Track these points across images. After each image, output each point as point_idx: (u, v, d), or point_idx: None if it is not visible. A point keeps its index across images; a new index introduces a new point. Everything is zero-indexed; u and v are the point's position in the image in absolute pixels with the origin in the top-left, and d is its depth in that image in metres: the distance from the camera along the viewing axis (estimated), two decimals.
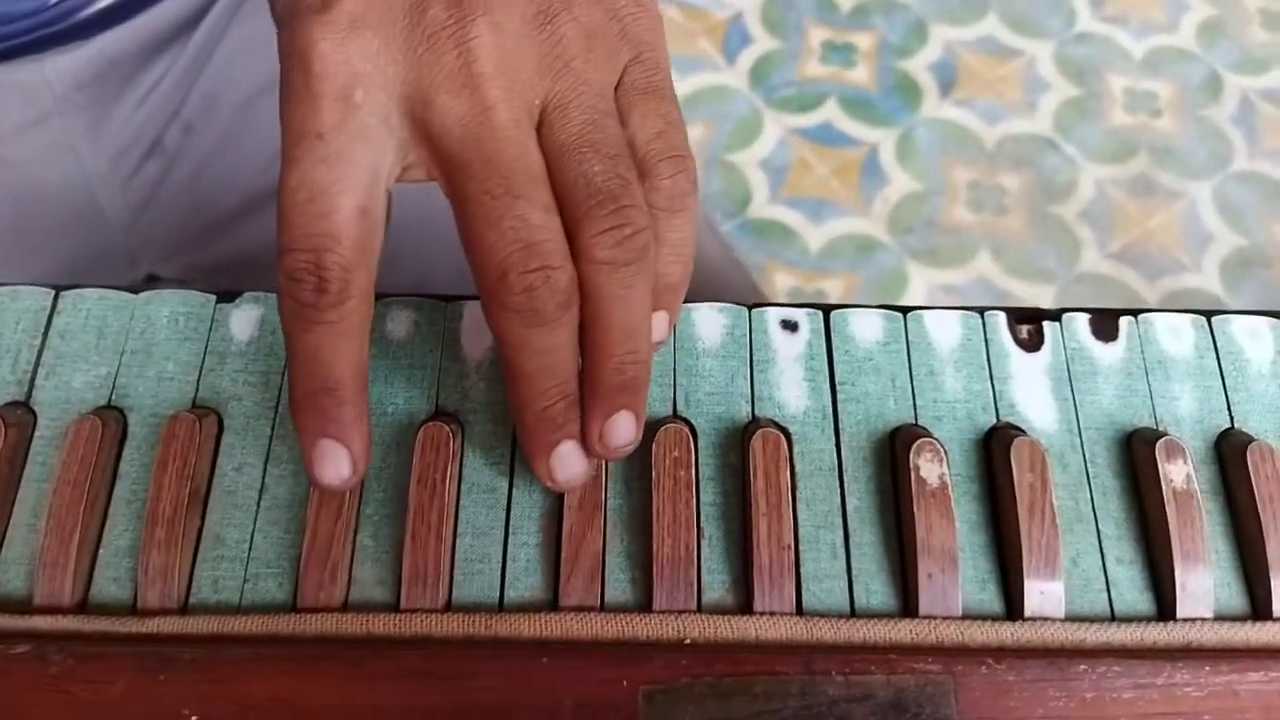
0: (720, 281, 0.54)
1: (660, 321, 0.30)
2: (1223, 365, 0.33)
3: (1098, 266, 1.29)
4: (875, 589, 0.30)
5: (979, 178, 1.35)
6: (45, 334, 0.33)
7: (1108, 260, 1.29)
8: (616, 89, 0.29)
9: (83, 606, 0.29)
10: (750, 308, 0.34)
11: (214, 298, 0.33)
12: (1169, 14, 1.48)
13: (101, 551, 0.30)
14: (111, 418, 0.31)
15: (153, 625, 0.28)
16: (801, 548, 0.30)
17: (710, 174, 1.34)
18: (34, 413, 0.32)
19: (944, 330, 0.34)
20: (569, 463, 0.29)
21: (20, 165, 0.54)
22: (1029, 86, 1.42)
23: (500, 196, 0.27)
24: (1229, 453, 0.32)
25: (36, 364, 0.33)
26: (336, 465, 0.28)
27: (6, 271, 0.55)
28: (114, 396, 0.32)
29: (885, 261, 1.29)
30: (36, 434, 0.32)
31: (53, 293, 0.34)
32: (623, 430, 0.29)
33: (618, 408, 0.28)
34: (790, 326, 0.33)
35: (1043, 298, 1.26)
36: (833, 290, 1.27)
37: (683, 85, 1.41)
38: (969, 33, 1.47)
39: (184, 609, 0.29)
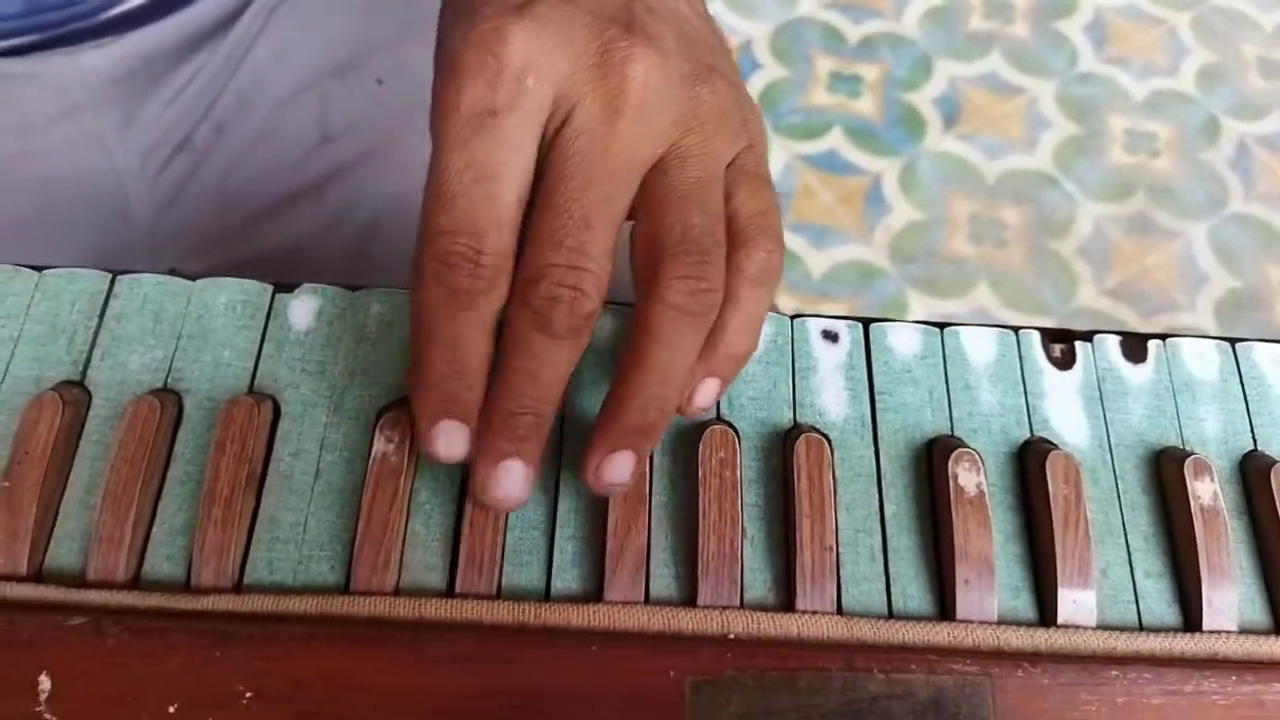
0: None
1: (710, 388, 0.31)
2: (1246, 390, 0.35)
3: (1094, 302, 1.31)
4: (912, 593, 0.31)
5: (980, 210, 1.37)
6: (101, 316, 0.34)
7: (1104, 296, 1.31)
8: (729, 166, 0.31)
9: (136, 582, 0.30)
10: (792, 318, 0.35)
11: (271, 287, 0.34)
12: (1170, 58, 1.51)
13: (155, 530, 0.31)
14: (168, 400, 0.32)
15: (208, 603, 0.29)
16: (841, 550, 0.31)
17: None
18: (89, 392, 0.32)
19: (979, 346, 0.34)
20: (508, 482, 0.28)
21: (49, 156, 0.54)
22: (1030, 123, 1.44)
23: (577, 219, 0.28)
24: (1252, 474, 0.33)
25: (92, 345, 0.33)
26: (458, 443, 0.28)
27: (29, 261, 0.55)
28: (170, 380, 0.33)
29: (886, 289, 1.31)
30: (91, 413, 0.32)
31: (110, 276, 0.34)
32: (620, 469, 0.29)
33: (625, 446, 0.29)
34: (831, 337, 0.34)
35: None
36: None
37: None
38: (973, 69, 1.49)
39: (238, 588, 0.30)
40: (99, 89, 0.53)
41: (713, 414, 0.33)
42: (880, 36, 1.52)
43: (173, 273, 0.60)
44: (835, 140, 1.42)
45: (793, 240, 1.34)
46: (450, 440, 0.28)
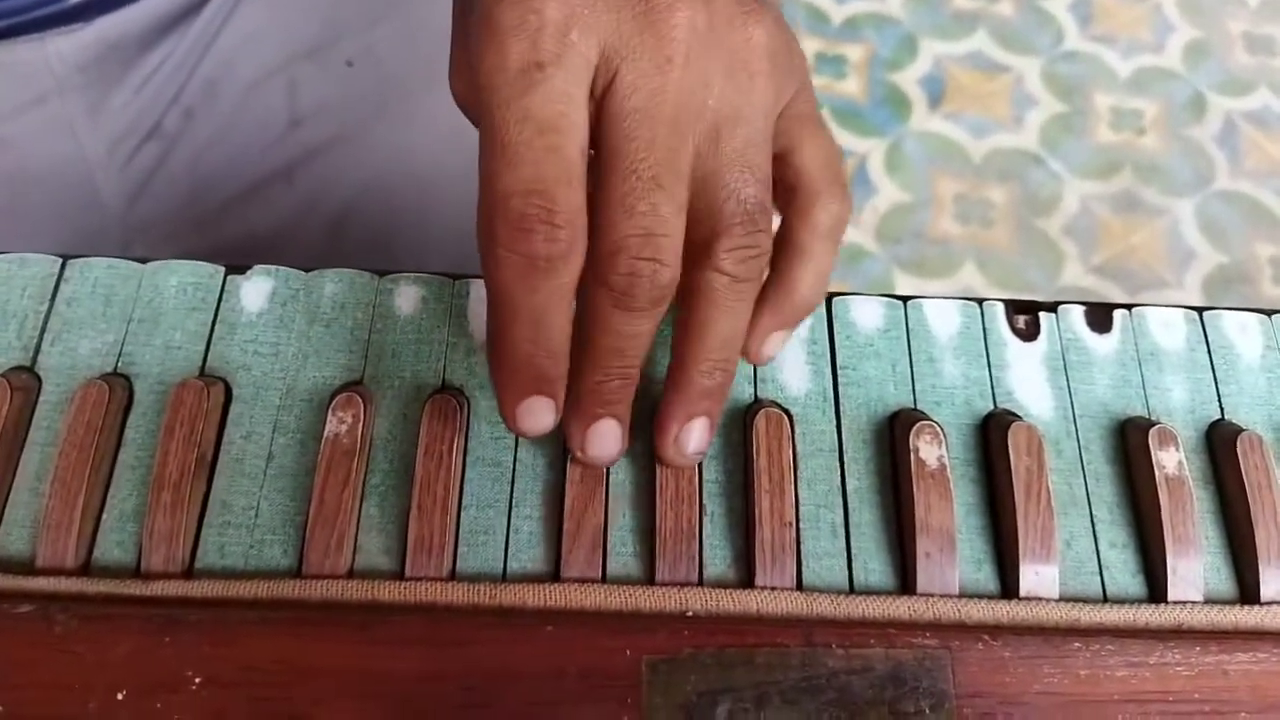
0: None
1: (778, 339, 0.32)
2: (1214, 358, 0.34)
3: (1081, 280, 1.30)
4: (874, 567, 0.30)
5: (966, 190, 1.36)
6: (52, 301, 0.33)
7: (1091, 274, 1.31)
8: (783, 114, 0.31)
9: (86, 569, 0.29)
10: None
11: (223, 269, 0.34)
12: (1156, 35, 1.50)
13: (105, 516, 0.30)
14: (118, 384, 0.31)
15: (157, 588, 0.29)
16: (802, 526, 0.31)
17: None
18: (39, 378, 0.32)
19: (943, 318, 0.34)
20: (605, 440, 0.29)
21: (17, 145, 0.53)
22: (1016, 102, 1.44)
23: (646, 179, 0.27)
24: (1219, 442, 0.32)
25: (43, 330, 0.33)
26: (546, 418, 0.28)
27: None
28: (120, 364, 0.32)
29: (873, 270, 1.30)
30: (41, 399, 0.32)
31: (60, 260, 0.34)
32: (699, 436, 0.30)
33: (699, 412, 0.29)
34: None
35: None
36: None
37: None
38: (958, 48, 1.48)
39: (189, 573, 0.29)
40: (66, 76, 0.52)
41: None
42: (865, 16, 1.51)
43: (144, 261, 0.60)
44: None
45: (779, 222, 1.33)
46: (538, 417, 0.28)
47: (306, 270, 0.34)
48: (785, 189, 0.31)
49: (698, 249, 0.28)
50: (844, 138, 1.40)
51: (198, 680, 0.27)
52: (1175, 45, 1.49)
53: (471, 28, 0.28)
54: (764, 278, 0.29)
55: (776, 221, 0.30)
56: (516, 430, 0.28)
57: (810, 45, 1.48)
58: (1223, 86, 1.46)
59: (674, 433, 0.29)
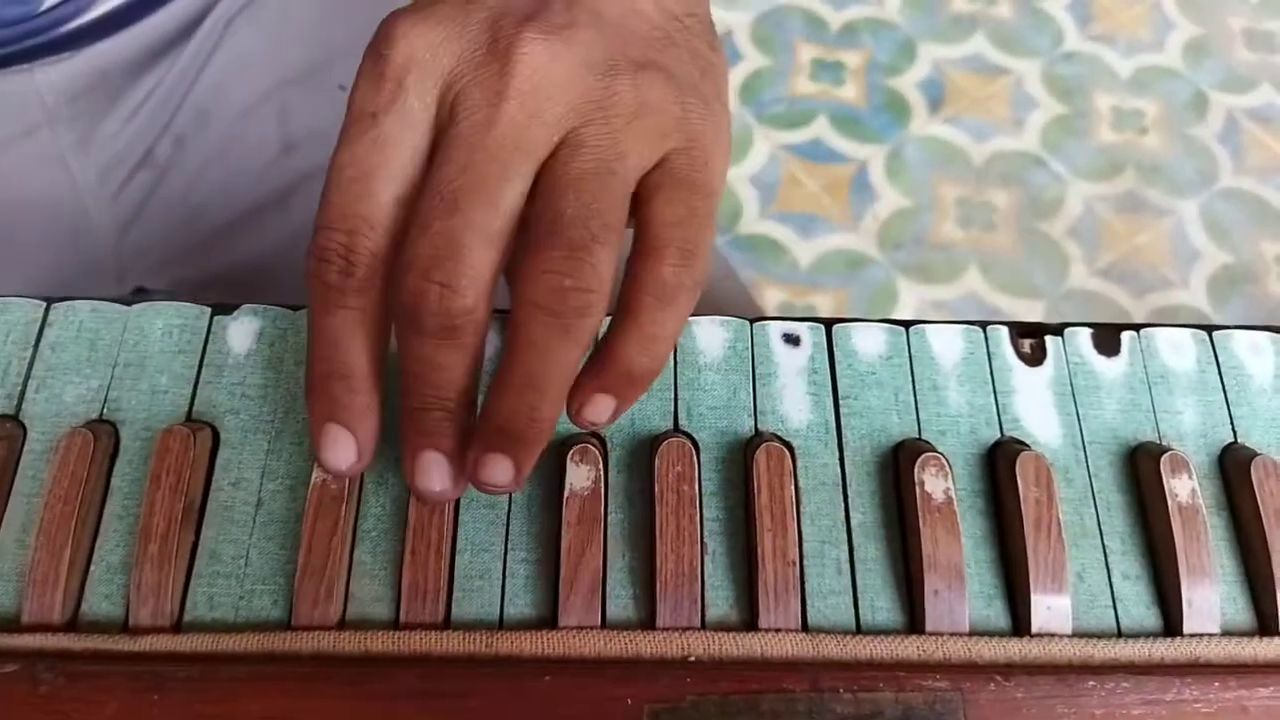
0: (716, 294, 0.54)
1: (603, 404, 0.28)
2: (1225, 380, 0.33)
3: (1086, 283, 1.29)
4: (880, 605, 0.30)
5: (968, 194, 1.35)
6: (36, 346, 0.33)
7: (1095, 277, 1.30)
8: (651, 172, 0.28)
9: (73, 624, 0.29)
10: (752, 321, 0.34)
11: (209, 310, 0.33)
12: (1155, 33, 1.49)
13: (93, 568, 0.29)
14: (103, 431, 0.31)
15: (145, 644, 0.28)
16: (806, 563, 0.30)
17: None
18: (24, 426, 0.31)
19: (946, 344, 0.33)
20: (430, 474, 0.28)
21: (7, 176, 0.53)
22: (1017, 104, 1.43)
23: (449, 202, 0.26)
24: (1233, 467, 0.32)
25: (27, 376, 0.32)
26: (342, 451, 0.28)
27: None
28: (106, 410, 0.32)
29: (875, 277, 1.29)
30: (26, 448, 0.31)
31: (44, 305, 0.33)
32: (494, 472, 0.27)
33: (496, 450, 0.27)
34: (792, 340, 0.33)
35: (1031, 313, 1.27)
36: (822, 305, 1.27)
37: None
38: (957, 51, 1.48)
39: (177, 627, 0.29)
40: (56, 107, 0.52)
41: (670, 425, 0.32)
42: (862, 22, 1.50)
43: (138, 291, 0.59)
44: (820, 129, 1.40)
45: (779, 230, 1.32)
46: (336, 448, 0.28)
47: (300, 304, 0.33)
48: (633, 246, 0.28)
49: (510, 273, 0.27)
50: (843, 144, 1.39)
51: None
52: (1175, 43, 1.48)
53: None
54: (593, 322, 0.26)
55: None
56: (321, 462, 0.28)
57: (808, 52, 1.47)
58: (1224, 84, 1.45)
59: (471, 458, 0.27)
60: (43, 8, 0.48)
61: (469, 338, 0.27)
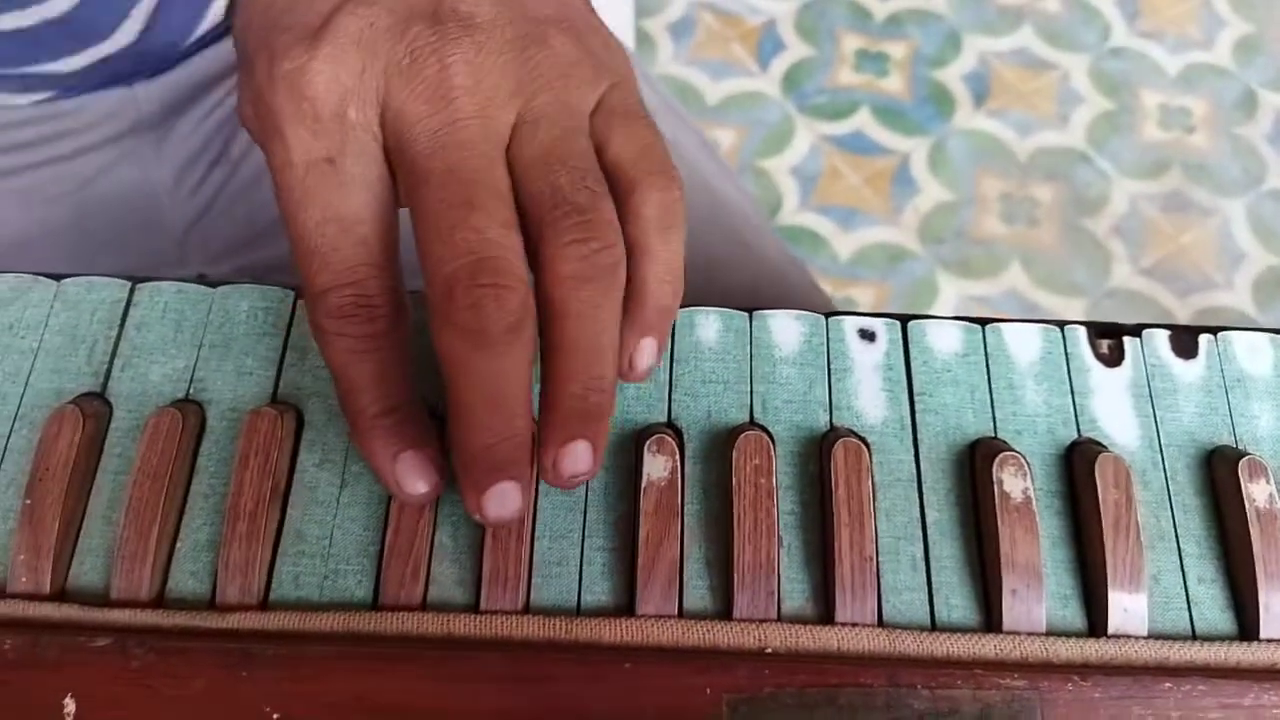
0: (781, 280, 0.53)
1: (649, 348, 0.29)
2: None
3: (1129, 282, 1.28)
4: (956, 603, 0.30)
5: (1011, 189, 1.34)
6: (122, 325, 0.33)
7: (1139, 276, 1.29)
8: (594, 114, 0.29)
9: (160, 600, 0.29)
10: (827, 316, 0.34)
11: (293, 293, 0.33)
12: (1205, 30, 1.47)
13: (179, 545, 0.30)
14: (190, 411, 0.31)
15: (233, 620, 0.28)
16: (881, 559, 0.30)
17: (741, 180, 1.34)
18: (110, 404, 0.32)
19: (1023, 343, 0.33)
20: (504, 502, 0.27)
21: (93, 176, 0.54)
22: (1062, 99, 1.41)
23: (457, 206, 0.26)
24: None
25: (113, 355, 0.33)
26: (425, 476, 0.28)
27: (58, 271, 0.55)
28: (192, 390, 0.32)
29: (915, 271, 1.29)
30: (112, 425, 0.32)
31: (129, 284, 0.34)
32: (578, 460, 0.27)
33: (574, 437, 0.27)
34: (868, 336, 0.33)
35: (1072, 311, 1.26)
36: (862, 299, 1.27)
37: (715, 90, 1.41)
38: (1003, 44, 1.46)
39: (264, 605, 0.29)
40: (149, 115, 0.52)
41: (745, 418, 0.32)
42: (908, 13, 1.49)
43: (200, 278, 0.60)
44: (862, 120, 1.40)
45: (820, 222, 1.32)
46: (422, 475, 0.28)
47: None
48: (612, 190, 0.28)
49: (533, 257, 0.27)
50: (886, 137, 1.39)
51: (275, 716, 0.27)
52: (1225, 41, 1.46)
53: (250, 98, 0.29)
54: (619, 279, 0.27)
55: None
56: (406, 496, 0.29)
57: (852, 42, 1.46)
58: (1274, 83, 1.43)
59: (549, 460, 0.27)
60: (150, 34, 0.48)
61: (530, 330, 0.26)
